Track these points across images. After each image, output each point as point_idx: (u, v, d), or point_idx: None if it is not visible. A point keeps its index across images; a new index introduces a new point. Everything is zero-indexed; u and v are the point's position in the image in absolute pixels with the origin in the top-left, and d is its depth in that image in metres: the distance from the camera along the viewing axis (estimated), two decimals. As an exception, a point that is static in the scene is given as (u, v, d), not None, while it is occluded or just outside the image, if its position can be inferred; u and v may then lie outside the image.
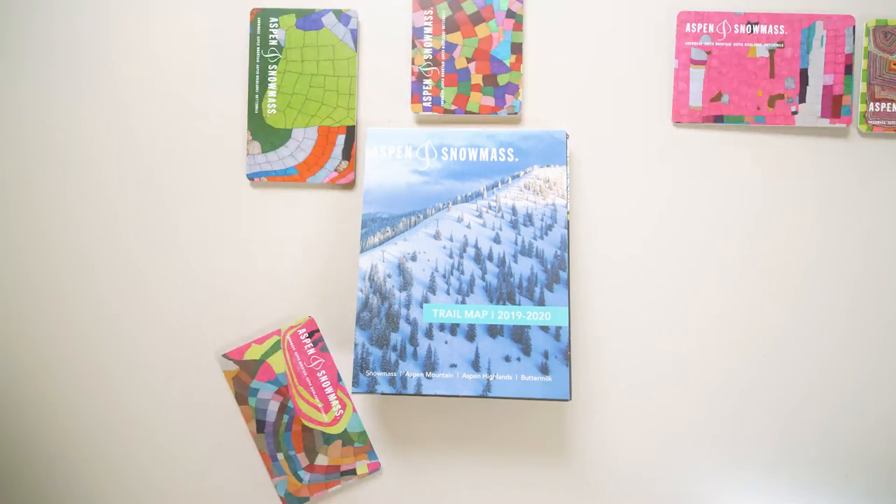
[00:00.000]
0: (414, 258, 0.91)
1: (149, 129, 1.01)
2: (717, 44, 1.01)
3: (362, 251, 0.92)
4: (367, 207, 0.93)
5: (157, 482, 0.98)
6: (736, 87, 1.00)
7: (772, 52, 1.00)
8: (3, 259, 1.00)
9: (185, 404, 0.99)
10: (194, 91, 1.02)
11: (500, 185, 0.93)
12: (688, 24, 1.01)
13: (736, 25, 1.00)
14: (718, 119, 0.99)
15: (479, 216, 0.92)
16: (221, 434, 0.98)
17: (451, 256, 0.91)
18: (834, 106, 0.98)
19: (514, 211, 0.92)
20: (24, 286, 0.99)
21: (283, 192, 1.02)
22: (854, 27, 0.99)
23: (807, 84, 0.99)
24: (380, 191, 0.93)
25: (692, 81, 1.00)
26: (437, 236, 0.92)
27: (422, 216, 0.92)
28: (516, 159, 0.96)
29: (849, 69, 0.99)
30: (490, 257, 0.91)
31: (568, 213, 0.92)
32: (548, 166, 0.95)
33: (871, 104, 0.97)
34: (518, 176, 0.95)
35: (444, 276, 0.91)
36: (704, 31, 1.01)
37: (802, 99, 0.99)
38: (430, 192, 0.93)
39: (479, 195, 0.95)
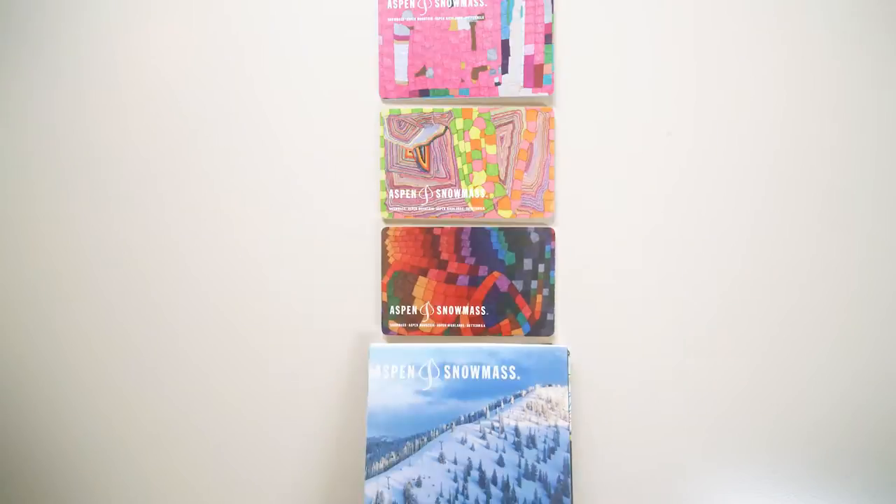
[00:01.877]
0: (419, 484, 0.91)
1: (150, 132, 1.00)
2: (419, 18, 1.00)
3: (367, 478, 0.91)
4: (371, 431, 0.92)
5: (159, 482, 1.00)
6: (440, 61, 0.99)
7: (473, 24, 1.00)
8: (8, 260, 1.01)
9: (188, 405, 1.00)
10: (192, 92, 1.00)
11: (502, 404, 0.94)
12: (389, 1, 0.99)
13: (436, 0, 0.99)
14: (424, 93, 0.99)
15: (483, 437, 0.92)
16: (224, 434, 0.99)
17: (455, 480, 0.91)
18: (536, 75, 0.99)
19: (516, 432, 0.92)
20: (25, 286, 1.00)
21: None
22: None
23: (508, 55, 1.00)
24: (384, 414, 0.92)
25: (397, 57, 1.00)
26: (441, 459, 0.92)
27: (426, 439, 0.92)
28: (518, 377, 0.95)
29: (548, 38, 1.00)
30: (494, 481, 0.91)
31: (570, 435, 0.93)
32: (549, 385, 0.94)
33: (391, 191, 0.98)
34: (520, 395, 0.94)
35: (448, 502, 0.90)
36: (406, 6, 1.00)
37: (505, 70, 0.99)
38: (434, 413, 0.93)
39: (482, 415, 0.93)
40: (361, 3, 1.00)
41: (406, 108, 0.96)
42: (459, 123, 0.96)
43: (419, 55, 0.99)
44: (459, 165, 0.96)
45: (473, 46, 1.00)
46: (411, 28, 0.99)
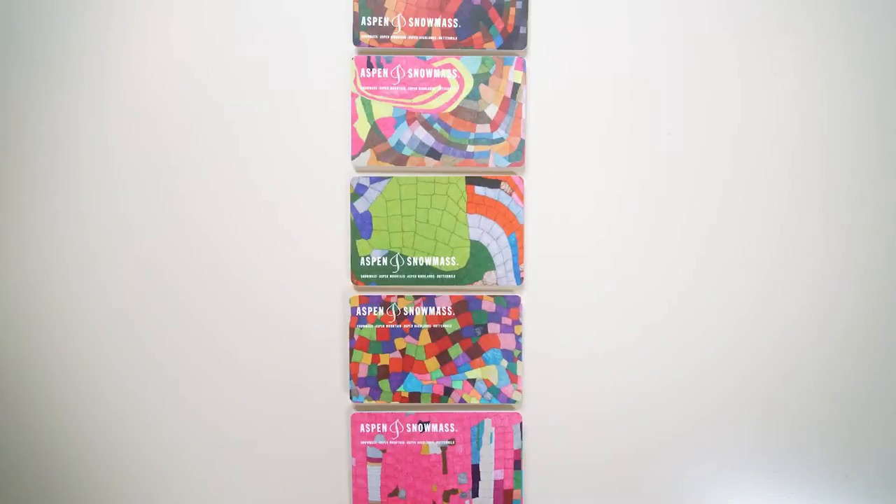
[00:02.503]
0: None
1: (166, 129, 0.98)
2: (391, 442, 1.02)
3: None
4: None
5: (166, 482, 1.00)
6: (412, 483, 1.00)
7: (444, 449, 1.02)
8: (17, 256, 0.99)
9: (192, 405, 0.99)
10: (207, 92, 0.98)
11: None
12: (362, 425, 1.02)
13: (408, 424, 1.02)
14: None
15: None
16: (229, 434, 0.99)
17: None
18: (506, 500, 0.99)
19: None
20: (28, 286, 0.99)
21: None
22: (521, 423, 1.03)
23: (479, 479, 1.00)
24: None
25: (370, 478, 1.00)
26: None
27: None
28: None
29: (517, 464, 1.01)
30: None
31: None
32: None
33: None
34: None
35: None
36: (378, 431, 1.02)
37: (475, 493, 0.99)
38: None
39: None
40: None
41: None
42: None
43: (391, 477, 1.00)
44: None
45: (445, 470, 1.00)
46: (384, 451, 1.01)
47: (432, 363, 0.99)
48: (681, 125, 0.95)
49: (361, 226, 0.96)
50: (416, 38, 0.94)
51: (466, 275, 0.97)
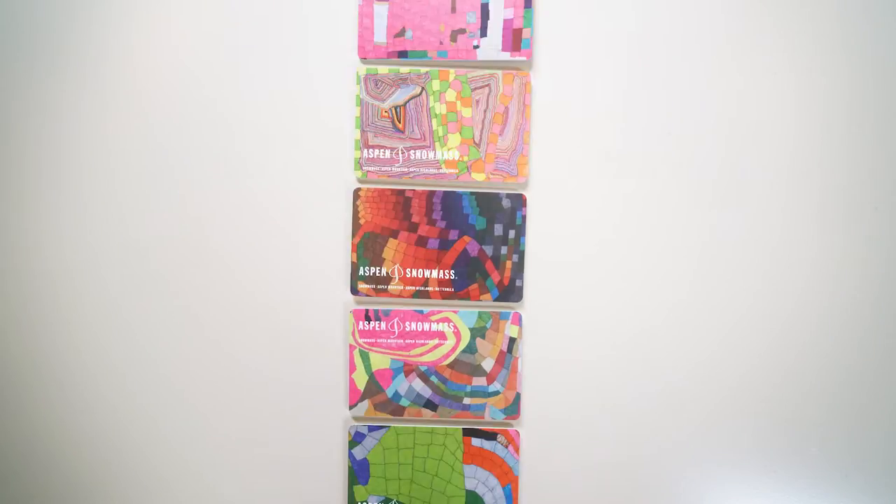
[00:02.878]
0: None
1: (167, 127, 0.98)
2: None
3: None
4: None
5: (167, 481, 1.01)
6: (419, 23, 0.99)
7: None
8: (13, 258, 0.99)
9: (196, 403, 1.00)
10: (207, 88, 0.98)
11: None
12: None
13: None
14: (403, 54, 1.00)
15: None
16: (232, 433, 1.00)
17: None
18: (514, 39, 1.00)
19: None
20: (28, 285, 1.00)
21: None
22: None
23: (488, 18, 0.99)
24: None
25: (376, 17, 0.99)
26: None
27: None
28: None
29: (528, 2, 0.98)
30: None
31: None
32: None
33: (366, 150, 0.98)
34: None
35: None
36: None
37: (484, 33, 1.00)
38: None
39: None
40: None
41: (383, 68, 0.96)
42: (436, 85, 0.96)
43: (398, 16, 0.99)
44: (434, 127, 0.96)
45: (453, 9, 0.99)
46: None
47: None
48: (681, 125, 0.97)
49: (359, 472, 0.99)
50: (414, 288, 0.97)
51: None
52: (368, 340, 0.97)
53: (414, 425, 0.96)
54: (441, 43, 1.00)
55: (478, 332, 0.96)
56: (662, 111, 0.95)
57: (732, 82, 0.95)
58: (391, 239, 0.96)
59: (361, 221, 0.97)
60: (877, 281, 0.95)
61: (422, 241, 0.97)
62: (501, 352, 0.97)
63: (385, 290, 0.97)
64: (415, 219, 0.97)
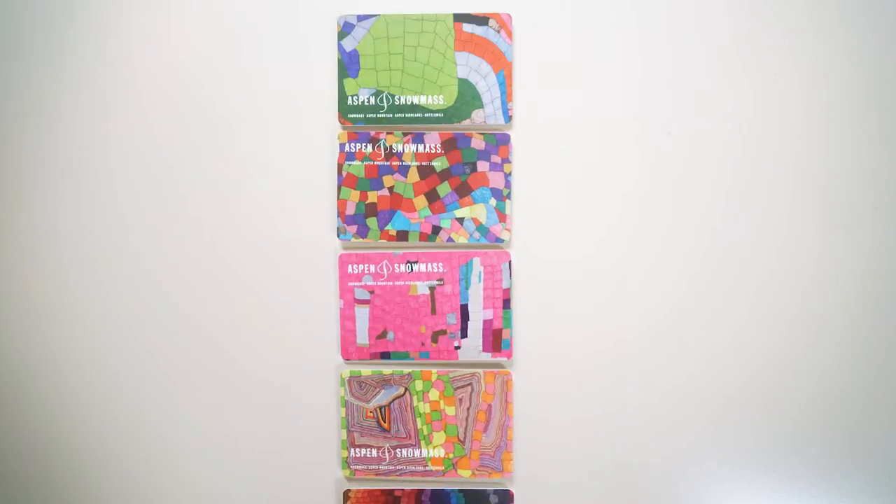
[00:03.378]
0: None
1: (167, 129, 0.99)
2: (379, 283, 1.02)
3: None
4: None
5: (166, 484, 1.01)
6: (400, 324, 1.01)
7: (432, 289, 1.03)
8: (15, 257, 0.99)
9: (196, 405, 0.99)
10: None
11: None
12: (349, 266, 1.02)
13: (396, 265, 1.03)
14: (385, 355, 0.99)
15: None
16: (232, 433, 0.99)
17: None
18: (494, 340, 1.01)
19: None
20: (27, 285, 1.00)
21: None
22: (510, 262, 1.03)
23: (468, 319, 1.01)
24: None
25: (358, 320, 1.01)
26: None
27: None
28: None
29: (507, 303, 1.02)
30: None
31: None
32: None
33: (353, 450, 1.00)
34: None
35: None
36: (366, 272, 1.03)
37: (464, 334, 1.01)
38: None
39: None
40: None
41: (366, 370, 0.98)
42: (419, 385, 0.98)
43: (380, 318, 1.01)
44: (419, 426, 0.98)
45: (433, 311, 1.02)
46: (372, 292, 1.02)
47: (420, 201, 0.98)
48: (680, 125, 0.96)
49: (349, 64, 0.96)
50: None
51: (454, 113, 0.96)
52: None
53: (404, 13, 0.93)
54: (423, 344, 1.00)
55: None
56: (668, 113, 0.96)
57: (735, 83, 0.95)
58: None
59: None
60: (878, 282, 0.95)
61: None
62: None
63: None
64: None
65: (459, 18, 0.95)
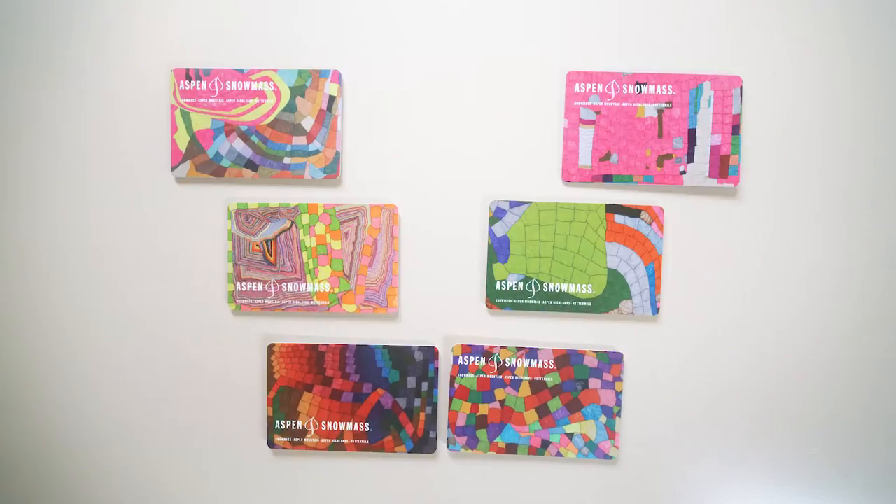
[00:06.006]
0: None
1: (164, 128, 0.97)
2: (605, 103, 1.00)
3: None
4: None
5: (166, 483, 1.02)
6: (625, 147, 1.01)
7: (660, 111, 1.00)
8: (13, 258, 0.99)
9: (196, 404, 1.00)
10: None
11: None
12: (577, 85, 1.00)
13: (625, 85, 0.99)
14: (608, 178, 0.99)
15: None
16: (231, 430, 1.01)
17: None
18: (721, 166, 0.99)
19: None
20: (29, 284, 1.00)
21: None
22: (741, 87, 0.97)
23: (695, 144, 0.99)
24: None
25: (581, 141, 1.01)
26: None
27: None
28: None
29: (736, 129, 0.98)
30: None
31: None
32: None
33: (238, 283, 0.99)
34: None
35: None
36: (593, 91, 1.00)
37: (691, 159, 0.99)
38: None
39: None
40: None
41: (253, 203, 0.97)
42: (305, 219, 0.97)
43: (604, 140, 1.01)
44: (305, 260, 0.98)
45: (660, 134, 1.00)
46: (598, 112, 1.00)
47: (531, 415, 0.99)
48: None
49: (499, 250, 0.97)
50: (329, 440, 0.99)
51: (602, 303, 0.97)
52: (189, 100, 0.94)
53: (556, 201, 0.95)
54: (647, 168, 1.01)
55: (298, 90, 0.93)
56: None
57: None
58: (306, 393, 0.98)
59: (276, 376, 0.98)
60: (879, 281, 0.95)
61: (336, 395, 0.98)
62: (321, 110, 0.94)
63: (301, 443, 0.99)
64: (329, 373, 0.98)
65: (612, 209, 0.96)
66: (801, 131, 0.96)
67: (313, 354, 0.98)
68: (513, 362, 0.96)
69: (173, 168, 0.96)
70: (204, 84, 0.94)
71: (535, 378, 0.97)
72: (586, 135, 1.01)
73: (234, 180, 0.96)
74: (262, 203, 0.96)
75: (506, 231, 0.96)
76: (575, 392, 0.97)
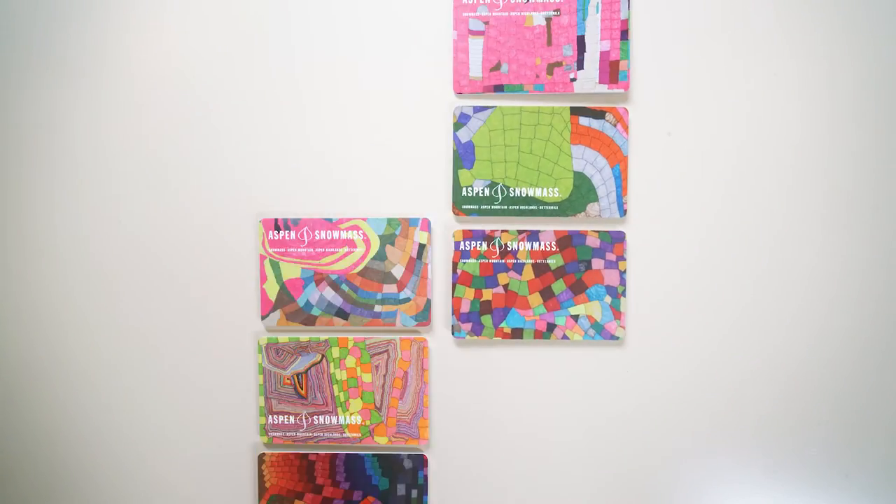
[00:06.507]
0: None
1: (164, 130, 0.99)
2: (494, 13, 0.98)
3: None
4: None
5: (167, 483, 1.02)
6: (515, 56, 0.99)
7: (548, 20, 0.98)
8: (15, 256, 0.99)
9: (196, 404, 1.01)
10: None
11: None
12: None
13: None
14: (499, 88, 0.98)
15: None
16: (232, 434, 1.01)
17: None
18: (612, 71, 0.99)
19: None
20: (30, 283, 1.00)
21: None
22: None
23: (584, 51, 0.99)
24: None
25: (471, 52, 0.99)
26: None
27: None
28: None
29: (624, 34, 0.98)
30: None
31: None
32: None
33: (270, 417, 1.01)
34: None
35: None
36: (481, 2, 0.98)
37: (580, 66, 0.99)
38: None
39: None
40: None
41: (283, 337, 0.99)
42: (336, 352, 0.99)
43: (494, 50, 0.99)
44: (336, 392, 0.99)
45: (549, 42, 0.99)
46: (486, 23, 0.98)
47: (535, 299, 0.97)
48: (681, 124, 0.96)
49: (464, 156, 0.96)
50: None
51: (569, 206, 0.96)
52: (279, 250, 0.96)
53: (520, 104, 0.95)
54: (537, 76, 1.00)
55: (387, 239, 0.95)
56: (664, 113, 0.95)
57: (735, 83, 0.95)
58: (297, 501, 0.99)
59: (267, 485, 1.00)
60: (878, 282, 0.95)
61: (327, 503, 0.99)
62: (411, 258, 0.96)
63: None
64: (319, 481, 0.99)
65: (576, 112, 0.95)
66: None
67: (304, 463, 0.99)
68: (515, 246, 0.96)
69: (263, 317, 0.98)
70: (293, 234, 0.96)
71: (538, 261, 0.96)
72: (476, 46, 0.99)
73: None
74: (292, 337, 0.98)
75: (470, 137, 0.96)
76: (578, 273, 0.96)
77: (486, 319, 0.97)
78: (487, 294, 0.97)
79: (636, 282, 0.96)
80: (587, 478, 0.99)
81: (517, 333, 0.97)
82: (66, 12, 0.96)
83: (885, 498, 0.96)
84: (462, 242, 0.96)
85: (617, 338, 0.96)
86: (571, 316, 0.97)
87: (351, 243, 0.96)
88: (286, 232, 0.96)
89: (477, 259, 0.96)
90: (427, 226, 0.95)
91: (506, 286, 0.97)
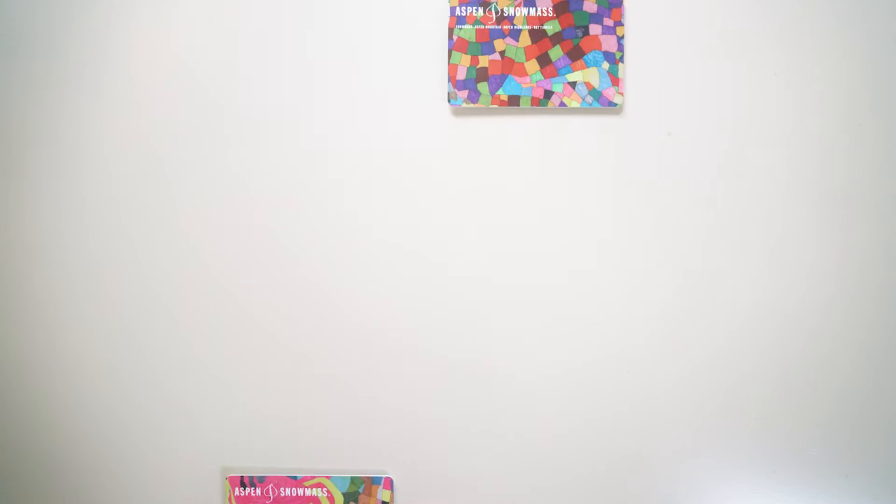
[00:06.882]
0: None
1: (165, 130, 0.94)
2: None
3: None
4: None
5: (167, 483, 0.98)
6: None
7: None
8: (15, 255, 0.95)
9: (191, 402, 0.97)
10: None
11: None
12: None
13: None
14: None
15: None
16: (232, 433, 0.97)
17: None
18: None
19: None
20: (31, 282, 0.95)
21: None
22: None
23: None
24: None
25: None
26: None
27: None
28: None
29: None
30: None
31: None
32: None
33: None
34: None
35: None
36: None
37: None
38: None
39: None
40: None
41: None
42: None
43: None
44: None
45: None
46: None
47: (532, 65, 0.91)
48: (681, 124, 0.94)
49: None
50: None
51: None
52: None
53: None
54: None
55: (351, 496, 0.95)
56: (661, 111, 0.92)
57: (733, 83, 0.91)
58: None
59: None
60: (877, 281, 0.92)
61: None
62: None
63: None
64: None
65: None
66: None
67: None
68: (511, 11, 0.89)
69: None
70: (258, 490, 0.94)
71: (535, 27, 0.90)
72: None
73: None
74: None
75: None
76: (576, 39, 0.90)
77: (483, 87, 0.91)
78: (484, 61, 0.91)
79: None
80: (585, 477, 0.97)
81: (514, 101, 0.91)
82: (68, 12, 0.92)
83: (885, 498, 0.94)
84: (458, 7, 0.89)
85: (615, 104, 0.91)
86: (569, 83, 0.91)
87: (315, 500, 0.95)
88: (251, 489, 0.94)
89: (473, 25, 0.90)
90: (389, 484, 0.94)
91: (502, 52, 0.91)
